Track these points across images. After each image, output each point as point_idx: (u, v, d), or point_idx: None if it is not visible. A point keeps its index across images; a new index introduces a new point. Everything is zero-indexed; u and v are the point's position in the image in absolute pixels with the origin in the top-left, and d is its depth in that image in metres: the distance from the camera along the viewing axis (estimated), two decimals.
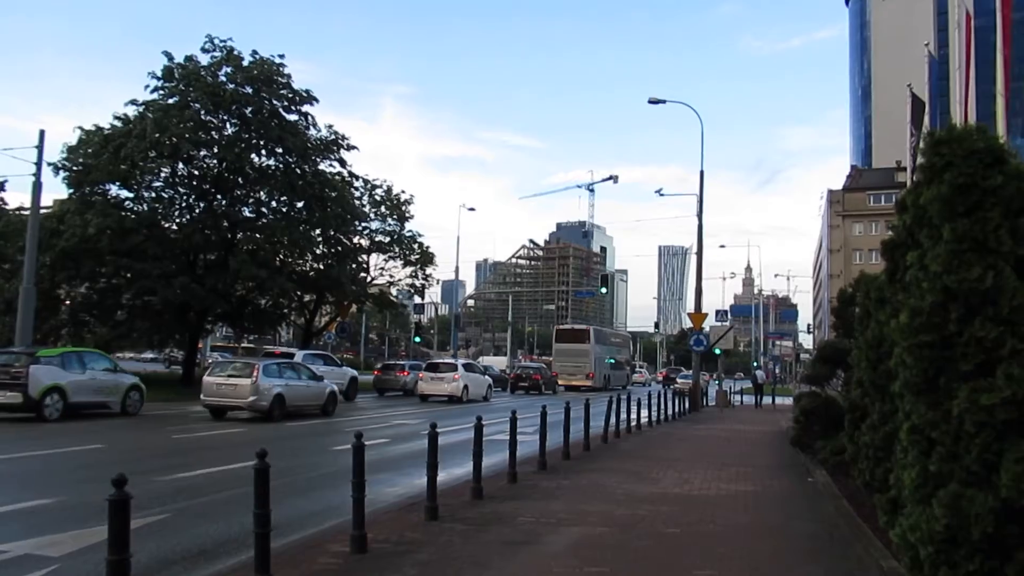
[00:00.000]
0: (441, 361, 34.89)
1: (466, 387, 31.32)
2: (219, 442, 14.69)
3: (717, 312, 39.09)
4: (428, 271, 40.47)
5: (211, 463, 11.54)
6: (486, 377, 34.26)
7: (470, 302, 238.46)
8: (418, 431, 16.98)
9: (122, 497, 4.29)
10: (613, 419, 17.39)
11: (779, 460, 14.80)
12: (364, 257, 38.89)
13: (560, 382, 46.92)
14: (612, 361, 53.51)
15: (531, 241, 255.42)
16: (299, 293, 36.00)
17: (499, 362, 63.37)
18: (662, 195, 44.43)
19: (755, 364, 71.36)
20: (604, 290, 48.10)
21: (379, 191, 39.05)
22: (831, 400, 14.75)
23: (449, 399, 30.77)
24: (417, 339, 60.86)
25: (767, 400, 38.49)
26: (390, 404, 27.97)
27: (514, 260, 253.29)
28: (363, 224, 37.93)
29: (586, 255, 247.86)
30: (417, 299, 51.18)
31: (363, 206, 38.00)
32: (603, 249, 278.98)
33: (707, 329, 37.07)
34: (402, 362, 38.44)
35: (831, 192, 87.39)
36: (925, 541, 4.99)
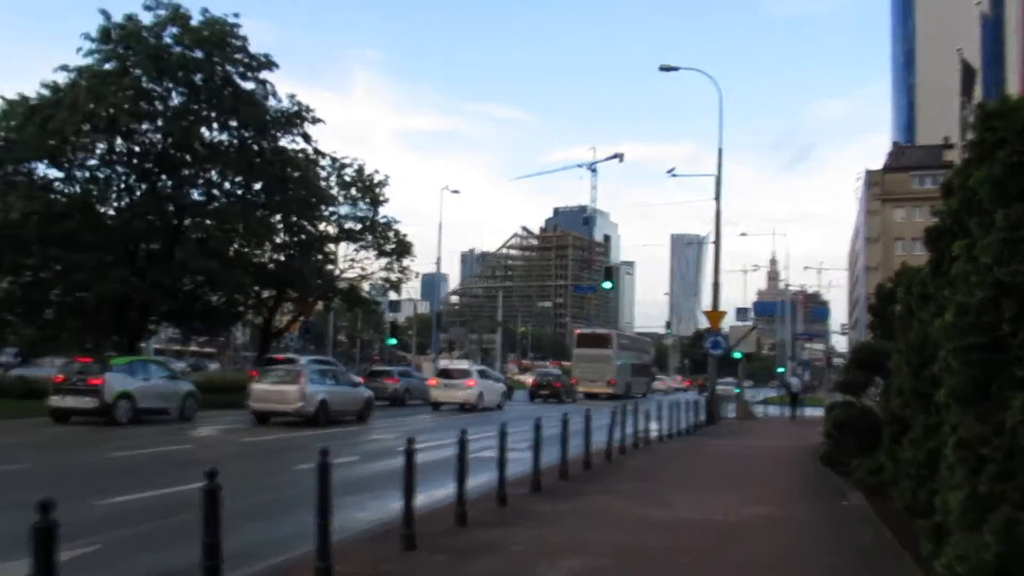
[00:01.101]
0: (454, 367, 37.25)
1: (480, 394, 33.82)
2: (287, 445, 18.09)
3: (738, 310, 39.30)
4: (405, 263, 40.54)
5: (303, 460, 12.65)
6: (501, 384, 37.40)
7: (454, 299, 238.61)
8: (445, 439, 16.97)
9: None
10: (618, 432, 17.46)
11: (808, 480, 14.87)
12: (332, 247, 38.85)
13: (580, 389, 51.17)
14: (626, 364, 57.98)
15: (524, 229, 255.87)
16: (257, 288, 35.91)
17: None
18: (675, 176, 44.66)
19: (781, 369, 71.63)
20: (608, 285, 47.86)
21: (349, 171, 39.00)
22: (867, 411, 14.81)
23: (461, 407, 33.19)
24: (392, 341, 60.90)
25: (789, 411, 38.66)
26: (399, 413, 30.55)
27: (505, 250, 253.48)
28: (330, 209, 37.89)
29: (587, 245, 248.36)
30: (393, 295, 51.21)
31: (330, 188, 37.93)
32: (607, 238, 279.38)
33: (726, 330, 37.20)
34: (390, 368, 38.89)
35: (869, 173, 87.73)
36: (974, 573, 5.01)
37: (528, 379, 61.27)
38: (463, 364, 40.22)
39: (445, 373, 35.05)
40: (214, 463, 5.77)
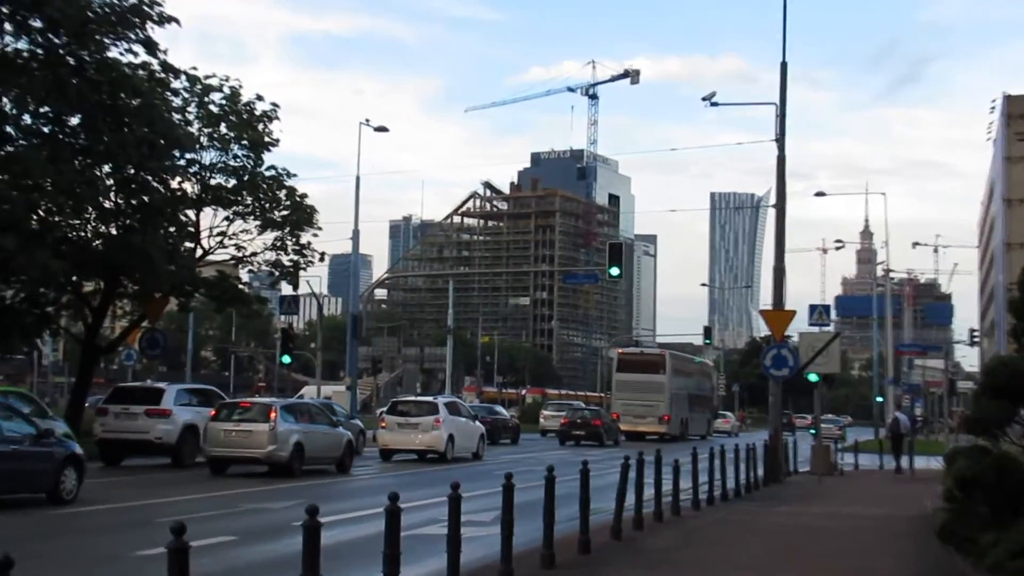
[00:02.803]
0: (412, 400, 40.13)
1: (451, 438, 36.13)
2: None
3: (811, 309, 39.25)
4: (305, 239, 40.36)
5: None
6: (477, 424, 40.01)
7: (380, 293, 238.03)
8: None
9: None
10: (635, 493, 17.54)
11: (918, 568, 15.04)
12: (191, 214, 38.59)
13: (622, 427, 58.00)
14: (682, 394, 64.91)
15: (487, 186, 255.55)
16: (75, 278, 35.59)
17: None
18: (714, 105, 44.12)
19: (880, 398, 72.26)
20: (616, 271, 46.75)
21: (217, 97, 38.73)
22: (1008, 460, 14.95)
23: (422, 456, 35.86)
24: (285, 359, 60.65)
25: (893, 462, 39.02)
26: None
27: (458, 219, 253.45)
28: (189, 156, 37.66)
29: (584, 210, 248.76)
30: (286, 288, 50.83)
31: (188, 124, 37.67)
32: (614, 200, 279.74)
33: (794, 339, 37.32)
34: (310, 400, 39.32)
35: (1009, 100, 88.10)
36: None
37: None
38: (425, 397, 42.92)
39: (399, 409, 37.18)
40: None
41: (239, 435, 27.48)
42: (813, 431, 40.99)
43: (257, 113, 39.37)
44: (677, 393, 64.52)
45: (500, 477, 13.09)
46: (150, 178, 34.76)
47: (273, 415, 27.63)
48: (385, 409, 39.10)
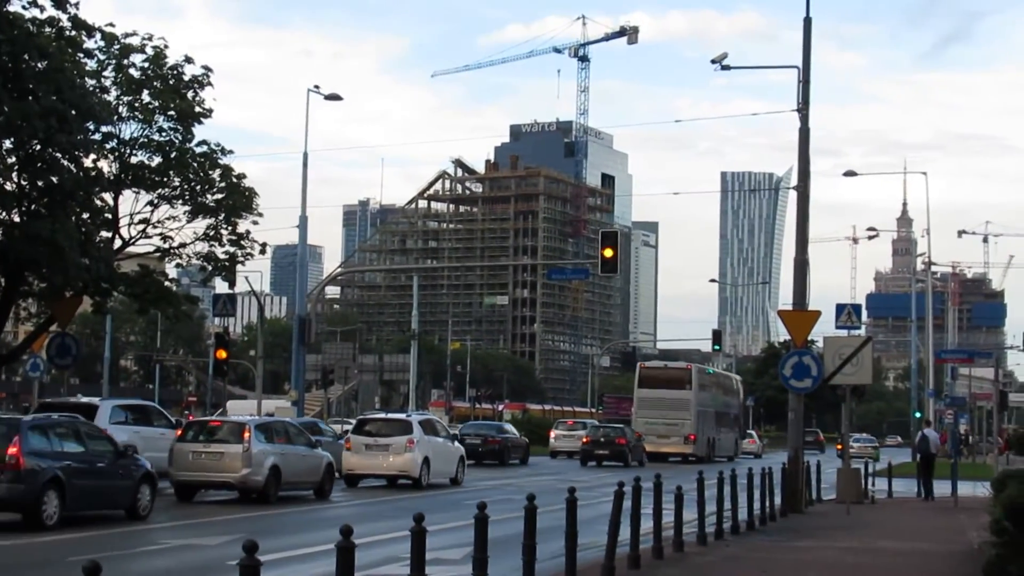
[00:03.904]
0: (381, 417, 41.35)
1: (426, 461, 36.77)
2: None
3: (839, 308, 39.27)
4: (243, 227, 40.30)
5: None
6: (456, 445, 41.29)
7: (333, 290, 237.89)
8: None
9: None
10: (632, 526, 17.59)
11: None
12: (107, 198, 38.47)
13: (645, 447, 61.85)
14: (708, 412, 69.14)
15: (458, 164, 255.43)
16: None
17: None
18: (726, 69, 44.12)
19: (919, 413, 72.57)
20: (609, 265, 46.91)
21: (139, 59, 38.62)
22: None
23: (392, 482, 36.85)
24: (219, 370, 60.42)
25: (940, 487, 39.10)
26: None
27: (424, 203, 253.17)
28: (106, 129, 37.58)
29: (573, 192, 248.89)
30: (221, 286, 50.75)
31: (104, 91, 37.58)
32: (608, 180, 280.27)
33: (818, 344, 37.37)
34: (246, 419, 39.35)
35: None
36: None
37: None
38: (399, 415, 43.79)
39: (366, 428, 38.12)
40: None
41: (209, 457, 28.81)
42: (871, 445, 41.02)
43: (186, 78, 39.22)
44: (704, 410, 68.16)
45: (497, 505, 13.16)
46: (59, 155, 34.63)
47: (247, 435, 28.86)
48: (351, 429, 39.76)
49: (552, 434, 72.71)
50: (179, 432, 30.99)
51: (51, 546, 20.35)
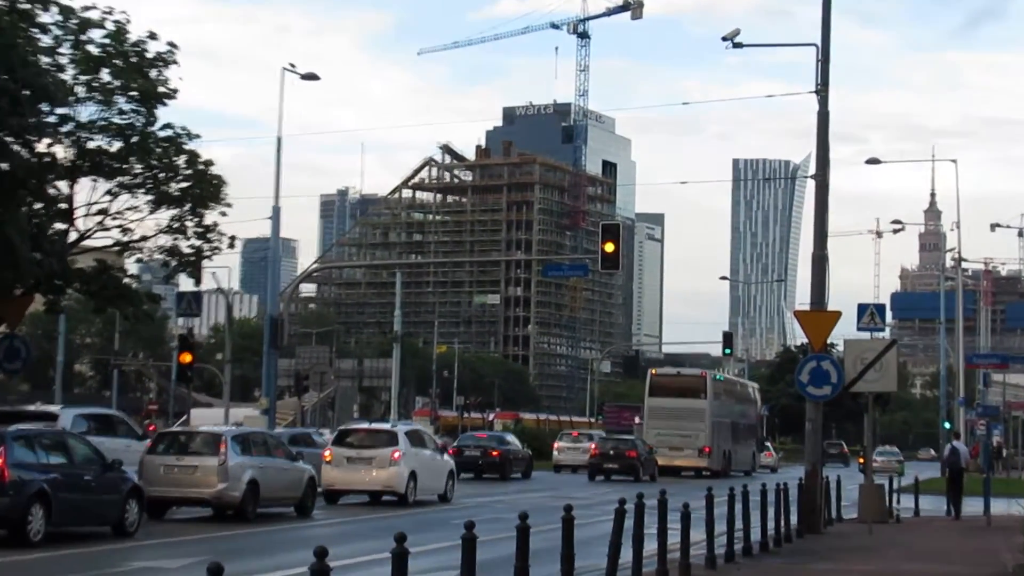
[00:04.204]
0: (364, 428, 41.71)
1: (412, 475, 36.88)
2: None
3: (861, 309, 39.27)
4: (210, 218, 40.35)
5: None
6: (446, 458, 41.61)
7: (308, 289, 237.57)
8: None
9: None
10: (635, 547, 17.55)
11: None
12: (62, 186, 38.42)
13: (657, 460, 62.52)
14: (724, 422, 70.46)
15: (446, 150, 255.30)
16: None
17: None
18: (738, 47, 44.10)
19: (948, 424, 72.65)
20: (611, 261, 47.04)
21: (98, 34, 38.58)
22: None
23: (376, 497, 37.00)
24: (184, 375, 60.24)
25: (972, 504, 39.12)
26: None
27: (408, 193, 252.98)
28: (60, 111, 37.54)
29: (572, 181, 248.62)
30: (186, 283, 50.65)
31: (60, 70, 37.56)
32: (609, 168, 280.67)
33: (838, 347, 37.29)
34: (222, 429, 39.53)
35: None
36: None
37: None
38: (384, 425, 44.64)
39: (348, 440, 38.42)
40: None
41: (182, 472, 29.05)
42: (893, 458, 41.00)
43: (149, 56, 39.16)
44: (719, 421, 69.18)
45: (488, 524, 13.17)
46: (10, 139, 34.63)
47: (223, 447, 29.15)
48: (331, 440, 40.00)
49: (556, 446, 73.62)
50: (149, 444, 31.14)
51: (38, 564, 20.90)
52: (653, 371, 78.70)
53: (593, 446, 63.22)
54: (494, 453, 57.51)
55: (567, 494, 42.85)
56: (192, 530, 27.73)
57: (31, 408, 37.89)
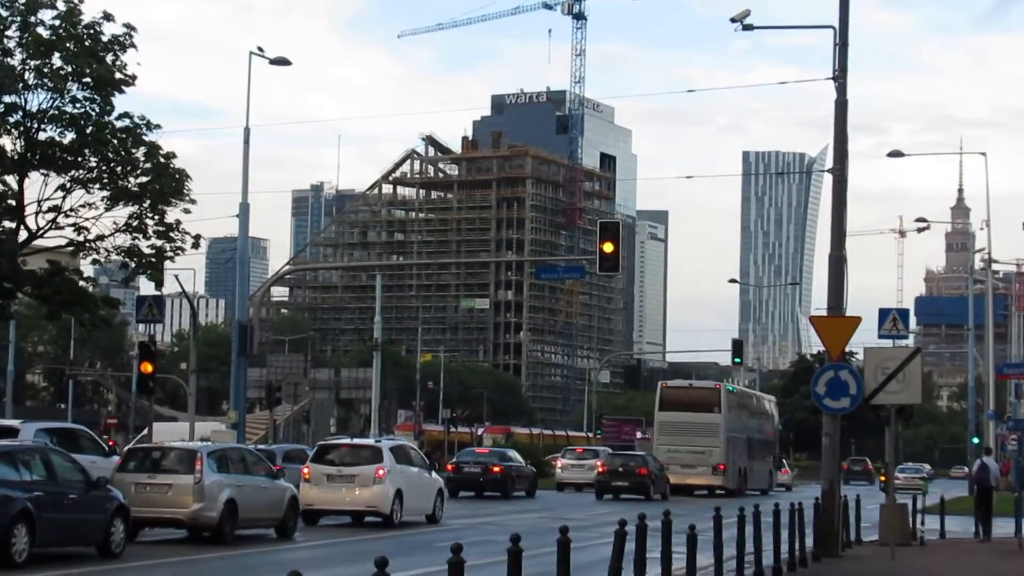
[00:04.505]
0: (346, 443, 41.56)
1: (398, 495, 36.74)
2: None
3: (883, 314, 39.34)
4: (172, 216, 40.62)
5: None
6: (434, 476, 41.65)
7: (280, 293, 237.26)
8: None
9: None
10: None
11: None
12: (11, 181, 38.43)
13: (669, 478, 63.40)
14: (739, 438, 71.38)
15: (430, 142, 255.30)
16: None
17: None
18: (747, 29, 43.99)
19: (977, 439, 72.68)
20: (609, 262, 47.23)
21: (48, 16, 38.61)
22: None
23: (358, 518, 37.25)
24: (145, 386, 60.16)
25: (1002, 525, 39.09)
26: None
27: (389, 188, 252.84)
28: (7, 99, 37.83)
29: (567, 176, 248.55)
30: (146, 286, 50.53)
31: (6, 55, 37.65)
32: (608, 161, 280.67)
33: (858, 356, 37.30)
34: (197, 445, 39.79)
35: None
36: None
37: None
38: (367, 440, 44.36)
39: (328, 456, 38.49)
40: None
41: (155, 490, 29.05)
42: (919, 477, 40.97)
43: (104, 39, 39.22)
44: (734, 436, 69.89)
45: (478, 547, 13.17)
46: None
47: (199, 464, 29.23)
48: (312, 453, 40.06)
49: (559, 464, 75.02)
50: (119, 460, 31.33)
51: None
52: (664, 383, 79.14)
53: (599, 463, 64.50)
54: (496, 469, 58.03)
55: (567, 515, 43.61)
56: (173, 552, 28.28)
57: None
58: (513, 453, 65.53)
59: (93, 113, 39.08)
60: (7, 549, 22.48)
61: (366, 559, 23.26)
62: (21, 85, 37.95)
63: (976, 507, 40.89)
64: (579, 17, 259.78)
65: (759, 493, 69.08)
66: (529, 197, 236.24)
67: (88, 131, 39.04)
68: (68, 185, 39.39)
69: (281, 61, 52.69)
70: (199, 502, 28.77)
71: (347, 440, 45.96)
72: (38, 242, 40.05)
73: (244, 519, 30.16)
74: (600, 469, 62.88)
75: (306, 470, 37.73)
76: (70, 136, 39.10)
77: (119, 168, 39.47)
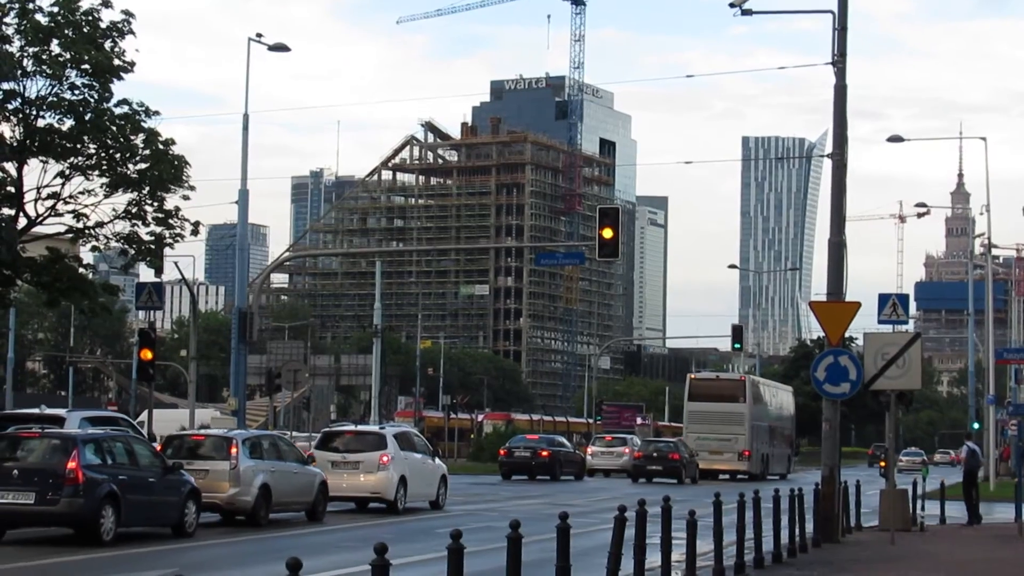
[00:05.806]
0: (350, 430, 42.32)
1: (402, 481, 37.46)
2: None
3: (883, 299, 39.26)
4: (172, 203, 40.37)
5: None
6: (438, 462, 42.10)
7: (279, 279, 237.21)
8: None
9: None
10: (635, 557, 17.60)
11: None
12: (10, 168, 38.41)
13: (698, 464, 68.67)
14: (762, 426, 76.90)
15: (429, 128, 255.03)
16: None
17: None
18: (747, 14, 43.94)
19: (977, 425, 73.05)
20: (606, 238, 47.11)
21: (46, 3, 38.51)
22: None
23: (363, 505, 38.09)
24: (145, 372, 60.11)
25: (1002, 510, 39.06)
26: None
27: (387, 174, 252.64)
28: (6, 86, 37.64)
29: (566, 161, 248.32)
30: (146, 273, 50.50)
31: (4, 42, 37.53)
32: (607, 147, 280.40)
33: (858, 341, 37.28)
34: (232, 432, 40.05)
35: None
36: None
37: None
38: (371, 427, 44.78)
39: (333, 443, 39.18)
40: None
41: (192, 476, 29.53)
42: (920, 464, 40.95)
43: (103, 26, 39.10)
44: (758, 424, 75.62)
45: (479, 533, 13.16)
46: None
47: (234, 451, 30.95)
48: (318, 440, 40.95)
49: (589, 451, 78.57)
50: (159, 448, 32.32)
51: (112, 562, 23.37)
52: (692, 376, 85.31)
53: (626, 450, 72.89)
54: (544, 454, 63.03)
55: (601, 496, 47.50)
56: (223, 533, 29.79)
57: (36, 411, 37.94)
58: (562, 439, 71.53)
59: (92, 100, 38.96)
60: (96, 529, 24.72)
61: (397, 542, 23.62)
62: (20, 72, 37.85)
63: (966, 493, 40.96)
64: (578, 3, 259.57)
65: (778, 477, 73.70)
66: (528, 183, 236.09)
67: (87, 118, 38.92)
68: (67, 172, 39.27)
69: (280, 47, 52.58)
70: (235, 487, 30.43)
71: (351, 427, 46.71)
72: (37, 229, 39.95)
73: (277, 503, 31.86)
74: (636, 455, 68.04)
75: (312, 457, 38.02)
76: (69, 123, 38.98)
77: (118, 155, 39.35)
